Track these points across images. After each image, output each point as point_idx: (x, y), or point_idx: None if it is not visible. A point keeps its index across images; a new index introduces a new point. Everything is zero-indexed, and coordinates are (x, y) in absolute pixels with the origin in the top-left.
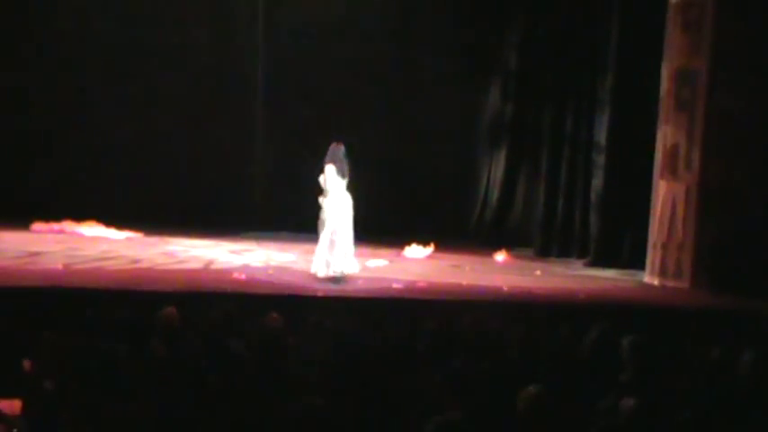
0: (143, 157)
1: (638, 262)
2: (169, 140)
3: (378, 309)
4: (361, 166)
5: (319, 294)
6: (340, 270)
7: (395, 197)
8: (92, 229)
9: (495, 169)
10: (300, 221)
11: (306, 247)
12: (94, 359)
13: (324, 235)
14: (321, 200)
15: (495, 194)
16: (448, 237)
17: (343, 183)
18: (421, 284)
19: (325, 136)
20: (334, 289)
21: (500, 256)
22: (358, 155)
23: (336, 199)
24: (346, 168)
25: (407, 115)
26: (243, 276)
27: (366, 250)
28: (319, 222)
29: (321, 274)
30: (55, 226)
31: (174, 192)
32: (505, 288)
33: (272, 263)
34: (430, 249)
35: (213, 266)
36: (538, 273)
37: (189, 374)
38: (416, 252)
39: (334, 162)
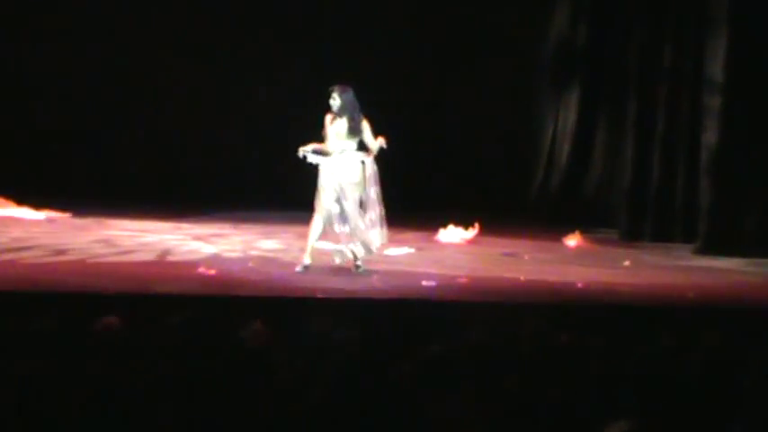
0: (73, 115)
1: (767, 247)
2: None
3: (402, 315)
4: (381, 119)
5: (319, 296)
6: (362, 253)
7: (423, 161)
8: None
9: (564, 119)
10: (291, 196)
11: (297, 229)
12: (7, 389)
13: (319, 214)
14: (317, 160)
15: (563, 154)
16: (498, 214)
17: (355, 140)
18: (461, 281)
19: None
20: (340, 288)
21: (571, 241)
22: (374, 98)
23: (346, 161)
24: (360, 119)
25: (441, 46)
26: (212, 271)
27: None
28: (317, 194)
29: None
30: None
31: (116, 160)
32: (580, 285)
33: (253, 252)
34: (473, 232)
35: (170, 258)
36: (626, 263)
37: (136, 407)
38: (455, 235)
39: (343, 111)
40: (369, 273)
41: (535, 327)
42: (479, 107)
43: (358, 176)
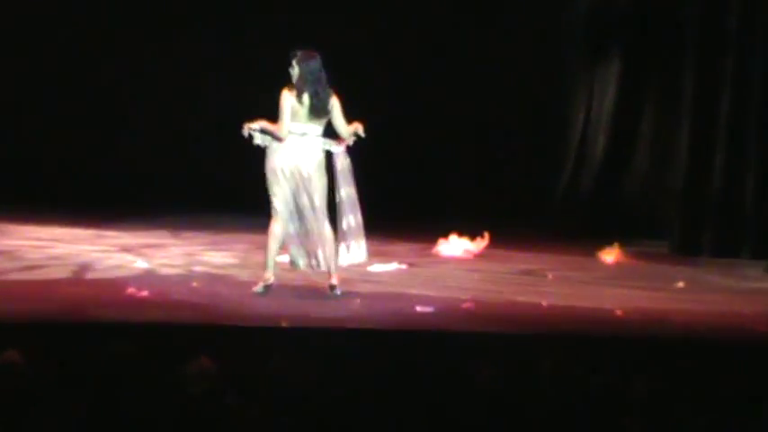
0: None
1: None
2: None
3: (390, 350)
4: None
5: (284, 325)
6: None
7: (416, 154)
8: None
9: (600, 101)
10: (248, 196)
11: (255, 238)
12: None
13: (277, 217)
14: (267, 142)
15: (598, 145)
16: (515, 221)
17: (319, 123)
18: (466, 306)
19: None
20: (310, 315)
21: (608, 256)
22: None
23: (306, 148)
24: (327, 96)
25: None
26: (144, 293)
27: (370, 245)
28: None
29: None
30: None
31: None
32: (619, 313)
33: (198, 268)
34: (482, 243)
35: (90, 275)
36: (680, 285)
37: None
38: (458, 248)
39: (304, 84)
40: (348, 296)
41: (560, 367)
42: (492, 85)
43: (321, 169)
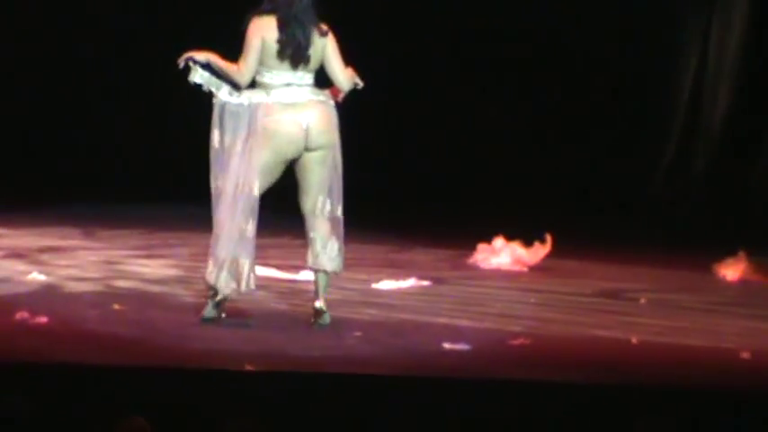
0: None
1: None
2: None
3: (405, 405)
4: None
5: (249, 369)
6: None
7: (447, 124)
8: None
9: (719, 50)
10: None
11: (204, 240)
12: None
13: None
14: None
15: (717, 107)
16: (592, 218)
17: (307, 70)
18: (518, 342)
19: None
20: (288, 354)
21: (731, 271)
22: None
23: (294, 106)
24: (315, 35)
25: None
26: (42, 319)
27: (377, 252)
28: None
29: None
30: None
31: None
32: (745, 355)
33: (122, 283)
34: (542, 251)
35: None
36: None
37: None
38: (507, 257)
39: (286, 16)
40: (344, 326)
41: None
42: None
43: (330, 129)
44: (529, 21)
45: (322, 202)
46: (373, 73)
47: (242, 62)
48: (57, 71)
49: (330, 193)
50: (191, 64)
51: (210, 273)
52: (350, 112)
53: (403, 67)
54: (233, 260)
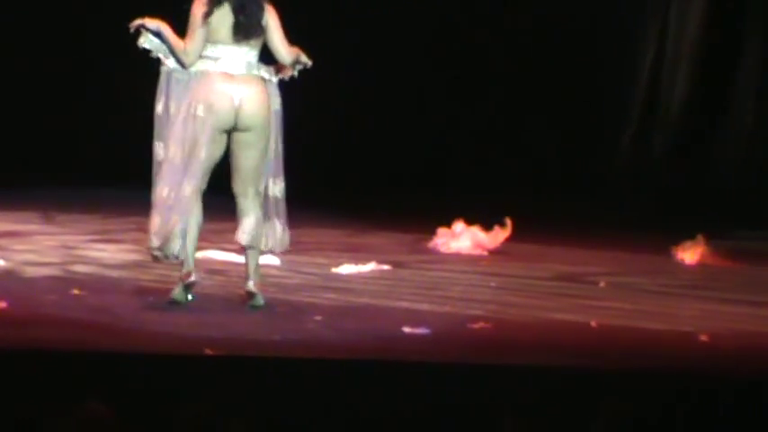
0: None
1: None
2: None
3: (360, 390)
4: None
5: (208, 353)
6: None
7: (406, 106)
8: None
9: (680, 24)
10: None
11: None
12: None
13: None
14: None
15: (676, 87)
16: (553, 200)
17: (251, 46)
18: (478, 326)
19: None
20: (247, 338)
21: (690, 254)
22: None
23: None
24: (260, 12)
25: None
26: (1, 303)
27: (337, 236)
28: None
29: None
30: None
31: None
32: (704, 338)
33: (81, 268)
34: (502, 234)
35: None
36: None
37: None
38: (468, 240)
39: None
40: (302, 310)
41: (619, 413)
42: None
43: (261, 110)
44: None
45: (252, 185)
46: (336, 58)
47: (188, 42)
48: (11, 57)
49: (262, 176)
50: (141, 30)
51: (157, 236)
52: (310, 94)
53: (364, 52)
54: (182, 226)
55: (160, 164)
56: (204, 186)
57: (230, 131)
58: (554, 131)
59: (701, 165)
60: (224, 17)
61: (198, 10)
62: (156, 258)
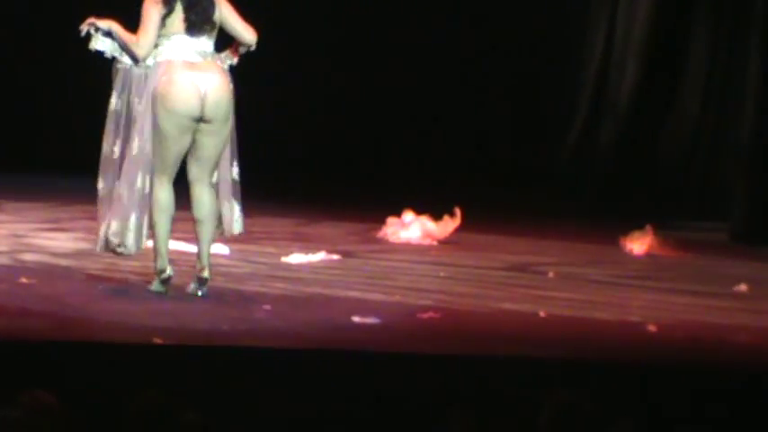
0: None
1: None
2: None
3: (312, 379)
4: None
5: (157, 341)
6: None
7: (355, 94)
8: None
9: (627, 21)
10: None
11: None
12: None
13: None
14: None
15: (625, 78)
16: (501, 190)
17: (205, 37)
18: (427, 316)
19: None
20: (196, 328)
21: (638, 244)
22: None
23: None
24: (211, 6)
25: None
26: None
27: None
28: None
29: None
30: None
31: None
32: (652, 327)
33: (29, 256)
34: (451, 224)
35: None
36: (742, 288)
37: None
38: (417, 230)
39: None
40: (252, 299)
41: (566, 404)
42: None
43: (226, 99)
44: None
45: (211, 172)
46: (287, 48)
47: (141, 34)
48: None
49: (219, 161)
50: (92, 31)
51: (114, 235)
52: (259, 82)
53: (313, 41)
54: (137, 219)
55: (113, 160)
56: (174, 177)
57: (196, 120)
58: (504, 121)
59: (648, 156)
60: (177, 12)
61: (152, 6)
62: (114, 251)
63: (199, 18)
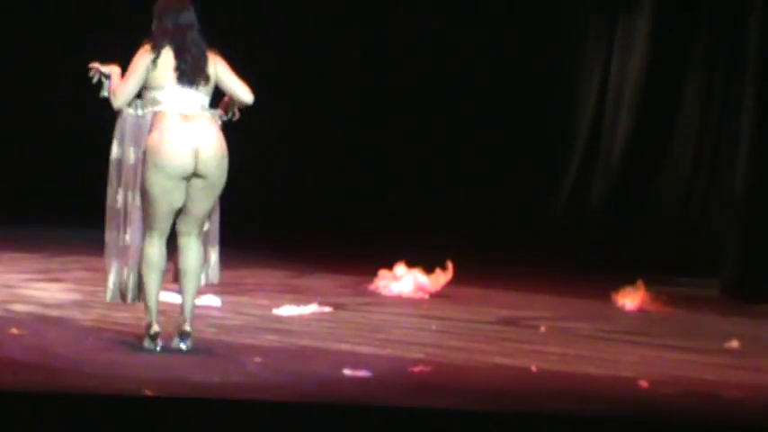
0: None
1: None
2: None
3: (304, 429)
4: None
5: (147, 393)
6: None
7: (351, 148)
8: None
9: (621, 71)
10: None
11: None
12: None
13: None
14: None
15: (618, 130)
16: (494, 244)
17: (199, 90)
18: (418, 370)
19: None
20: (184, 381)
21: (630, 299)
22: None
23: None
24: (202, 58)
25: None
26: None
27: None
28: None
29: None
30: None
31: None
32: (643, 384)
33: (20, 307)
34: (443, 277)
35: None
36: (733, 345)
37: None
38: (409, 283)
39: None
40: (243, 352)
41: None
42: (462, 50)
43: (219, 156)
44: (432, 41)
45: (200, 225)
46: (276, 99)
47: (122, 84)
48: None
49: (207, 216)
50: (103, 79)
51: (122, 284)
52: (250, 135)
53: (301, 92)
54: (128, 273)
55: (117, 210)
56: (167, 233)
57: (188, 177)
58: (496, 176)
59: (640, 211)
60: (168, 62)
61: (140, 59)
62: (123, 299)
63: (188, 67)
